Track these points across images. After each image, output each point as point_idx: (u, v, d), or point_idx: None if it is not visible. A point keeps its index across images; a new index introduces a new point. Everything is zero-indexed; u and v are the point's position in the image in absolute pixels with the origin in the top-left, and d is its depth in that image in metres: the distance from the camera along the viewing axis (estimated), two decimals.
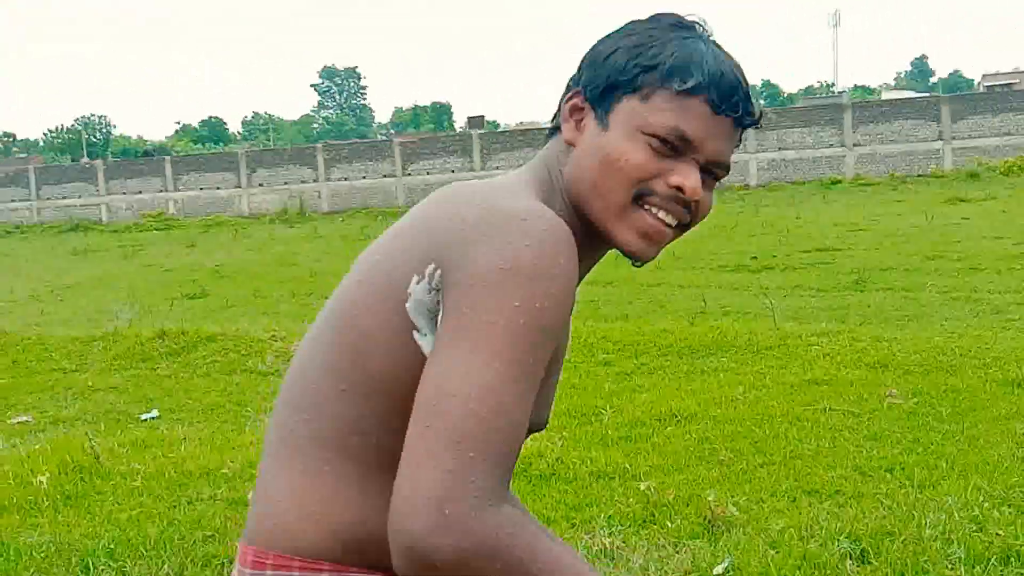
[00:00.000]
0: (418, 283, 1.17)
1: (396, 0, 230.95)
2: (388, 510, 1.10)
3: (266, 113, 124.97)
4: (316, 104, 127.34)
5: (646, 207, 1.26)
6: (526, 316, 1.10)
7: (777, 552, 3.67)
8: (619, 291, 11.85)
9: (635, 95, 1.25)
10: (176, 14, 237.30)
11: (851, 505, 4.19)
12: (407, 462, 1.08)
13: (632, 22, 1.32)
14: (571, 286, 1.15)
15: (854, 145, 35.83)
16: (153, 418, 7.15)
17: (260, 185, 42.57)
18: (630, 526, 4.14)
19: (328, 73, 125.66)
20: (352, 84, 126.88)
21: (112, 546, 4.11)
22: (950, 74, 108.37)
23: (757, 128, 1.34)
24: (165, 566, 3.94)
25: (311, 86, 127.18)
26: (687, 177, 1.25)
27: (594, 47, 1.32)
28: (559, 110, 1.33)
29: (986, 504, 4.01)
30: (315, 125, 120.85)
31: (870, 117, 36.31)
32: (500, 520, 1.07)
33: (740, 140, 1.32)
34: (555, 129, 1.34)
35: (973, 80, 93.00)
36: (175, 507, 4.74)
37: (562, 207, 1.29)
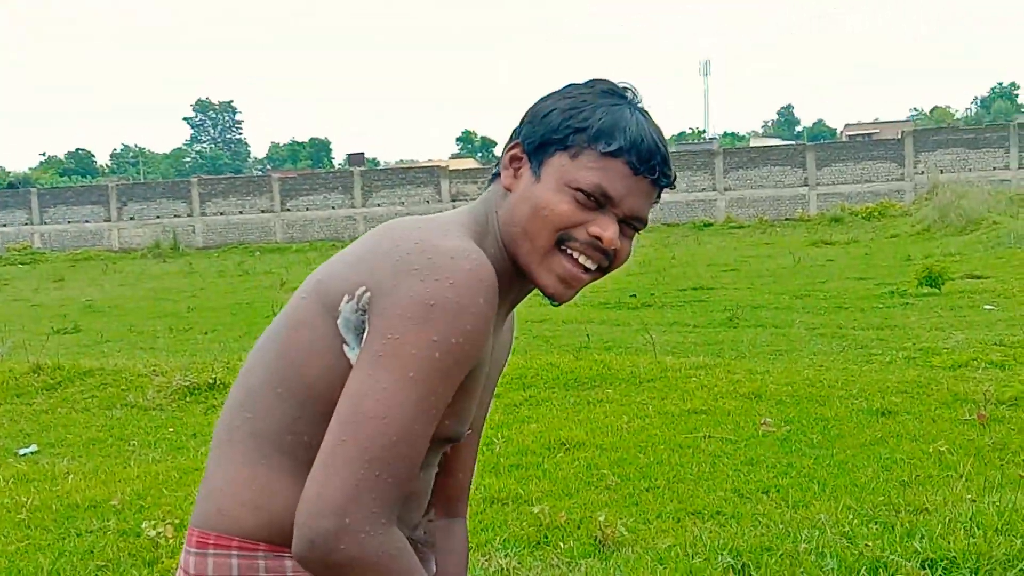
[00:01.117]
0: (347, 302, 1.31)
1: (274, 34, 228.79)
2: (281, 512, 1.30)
3: (136, 146, 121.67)
4: (189, 137, 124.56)
5: (567, 252, 1.40)
6: (441, 350, 1.24)
7: (665, 568, 3.85)
8: None
9: (565, 152, 1.39)
10: (41, 40, 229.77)
11: (731, 524, 4.42)
12: (321, 465, 1.23)
13: (571, 85, 1.47)
14: (487, 323, 1.29)
15: (725, 189, 37.18)
16: (32, 453, 6.95)
17: (131, 219, 41.51)
18: (525, 548, 4.28)
19: (202, 106, 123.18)
20: (227, 118, 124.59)
21: None
22: (814, 123, 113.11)
23: (671, 189, 1.49)
24: None
25: (184, 119, 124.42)
26: (606, 228, 1.39)
27: (535, 104, 1.46)
28: (500, 158, 1.47)
29: (855, 521, 4.28)
30: (188, 159, 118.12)
31: (740, 163, 37.76)
32: (390, 539, 1.24)
33: (658, 198, 1.47)
34: (496, 175, 1.48)
35: (836, 129, 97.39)
36: (64, 539, 4.66)
37: (494, 247, 1.43)
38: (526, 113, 1.47)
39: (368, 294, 1.29)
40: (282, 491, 1.34)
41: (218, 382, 8.50)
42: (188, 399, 8.34)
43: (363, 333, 1.29)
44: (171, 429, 7.44)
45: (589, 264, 1.41)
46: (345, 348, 1.31)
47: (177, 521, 4.55)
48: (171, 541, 4.35)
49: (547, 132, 1.41)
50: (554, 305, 1.48)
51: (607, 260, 1.43)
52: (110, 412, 8.16)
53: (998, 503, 4.27)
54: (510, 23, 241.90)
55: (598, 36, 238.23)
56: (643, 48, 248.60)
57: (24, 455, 6.92)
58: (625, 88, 1.47)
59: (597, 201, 1.39)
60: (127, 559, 4.31)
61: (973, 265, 17.22)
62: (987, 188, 29.33)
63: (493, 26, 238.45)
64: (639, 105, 1.46)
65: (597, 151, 1.38)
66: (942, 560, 3.76)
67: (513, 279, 1.45)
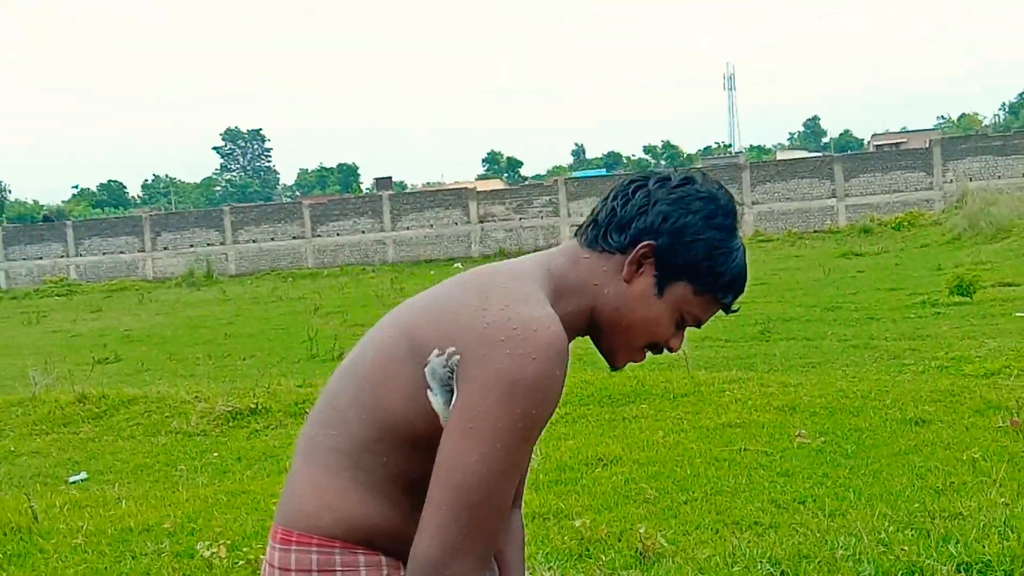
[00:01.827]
0: (437, 356, 1.46)
1: (300, 62, 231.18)
2: (391, 509, 1.52)
3: (167, 176, 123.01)
4: (219, 166, 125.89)
5: (642, 353, 1.65)
6: (524, 421, 1.41)
7: (708, 573, 3.96)
8: None
9: (691, 285, 1.59)
10: (70, 73, 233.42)
11: (769, 534, 4.51)
12: (425, 526, 1.42)
13: (709, 207, 1.60)
14: (560, 391, 1.46)
15: (753, 203, 37.15)
16: (82, 480, 7.15)
17: (165, 249, 42.06)
18: (567, 560, 4.39)
19: (231, 135, 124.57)
20: (256, 146, 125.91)
21: None
22: (841, 134, 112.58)
23: None
24: None
25: (213, 148, 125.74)
26: (680, 341, 1.65)
27: (680, 215, 1.58)
28: (626, 248, 1.59)
29: (891, 528, 4.36)
30: (218, 188, 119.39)
31: (767, 176, 37.75)
32: None
33: None
34: (588, 229, 1.64)
35: (863, 140, 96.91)
36: (120, 562, 4.82)
37: (575, 308, 1.59)
38: (665, 214, 1.58)
39: (457, 357, 1.44)
40: (358, 499, 1.52)
41: (260, 407, 8.68)
42: (231, 424, 8.52)
43: (447, 385, 1.46)
44: (216, 454, 7.61)
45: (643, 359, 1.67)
46: (429, 393, 1.47)
47: (229, 542, 4.70)
48: (224, 561, 4.49)
49: (687, 262, 1.58)
50: (611, 371, 1.72)
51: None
52: (155, 439, 8.36)
53: None
54: (529, 37, 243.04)
55: (621, 50, 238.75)
56: (669, 61, 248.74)
57: (74, 482, 7.12)
58: (739, 206, 1.67)
59: (685, 323, 1.64)
60: None
61: (1004, 273, 17.16)
62: (1017, 195, 29.09)
63: (515, 42, 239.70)
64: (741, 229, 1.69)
65: (715, 297, 1.61)
66: (977, 563, 3.84)
67: (578, 333, 1.63)
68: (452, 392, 1.44)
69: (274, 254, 41.35)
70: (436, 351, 1.46)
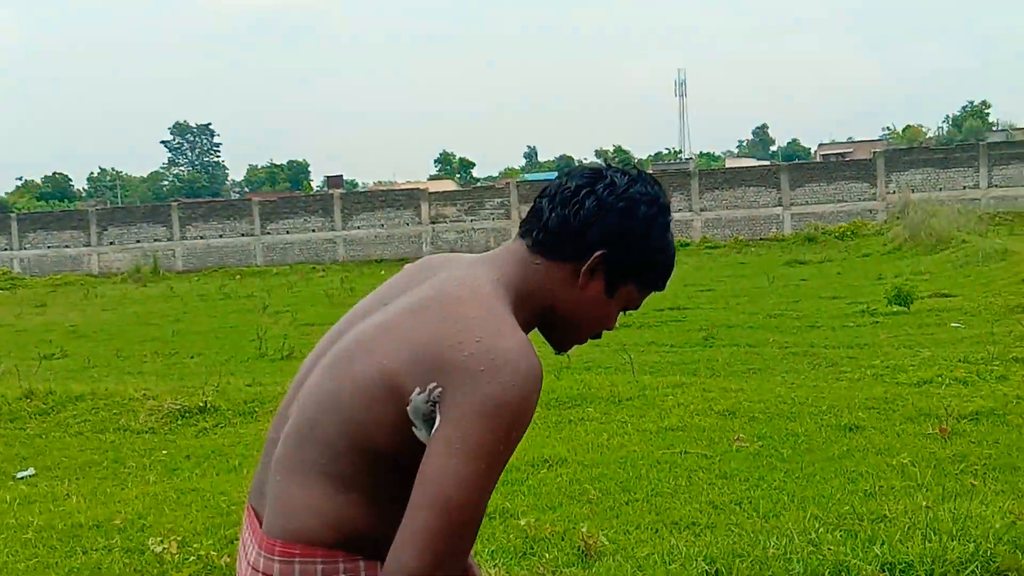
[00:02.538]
0: (418, 394, 1.55)
1: (251, 57, 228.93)
2: (379, 520, 1.61)
3: (113, 169, 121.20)
4: (166, 161, 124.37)
5: (584, 340, 1.84)
6: (506, 441, 1.53)
7: (643, 574, 4.13)
8: None
9: (636, 284, 1.79)
10: (16, 63, 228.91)
11: (706, 534, 4.69)
12: (403, 539, 1.50)
13: (644, 189, 1.76)
14: (533, 409, 1.57)
15: (701, 210, 37.63)
16: (30, 476, 7.15)
17: (111, 243, 41.52)
18: (512, 558, 4.54)
19: (179, 129, 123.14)
20: (205, 141, 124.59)
21: None
22: (788, 143, 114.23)
23: None
24: None
25: (161, 142, 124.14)
26: (614, 324, 1.84)
27: (628, 223, 1.73)
28: (546, 225, 1.73)
29: (821, 529, 4.56)
30: (165, 182, 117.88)
31: (715, 184, 38.25)
32: None
33: None
34: (533, 233, 1.75)
35: (810, 149, 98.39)
36: (71, 556, 4.88)
37: (531, 312, 1.74)
38: (613, 222, 1.72)
39: (439, 390, 1.53)
40: (358, 516, 1.64)
41: (209, 406, 8.72)
42: (180, 422, 8.55)
43: (431, 420, 1.54)
44: (165, 452, 7.65)
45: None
46: (414, 430, 1.57)
47: (180, 538, 4.78)
48: (176, 557, 4.57)
49: (634, 267, 1.75)
50: (557, 354, 1.90)
51: None
52: (103, 436, 8.36)
53: (954, 510, 4.57)
54: (487, 43, 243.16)
55: (577, 57, 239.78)
56: (620, 68, 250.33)
57: (22, 478, 7.12)
58: (669, 203, 1.84)
59: (625, 310, 1.83)
60: (134, 575, 4.54)
61: (942, 284, 17.64)
62: (957, 207, 29.88)
63: (470, 45, 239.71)
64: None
65: (654, 288, 1.83)
66: (900, 564, 4.05)
67: (531, 329, 1.77)
68: (434, 422, 1.53)
69: (222, 251, 41.01)
70: (417, 390, 1.55)
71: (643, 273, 1.76)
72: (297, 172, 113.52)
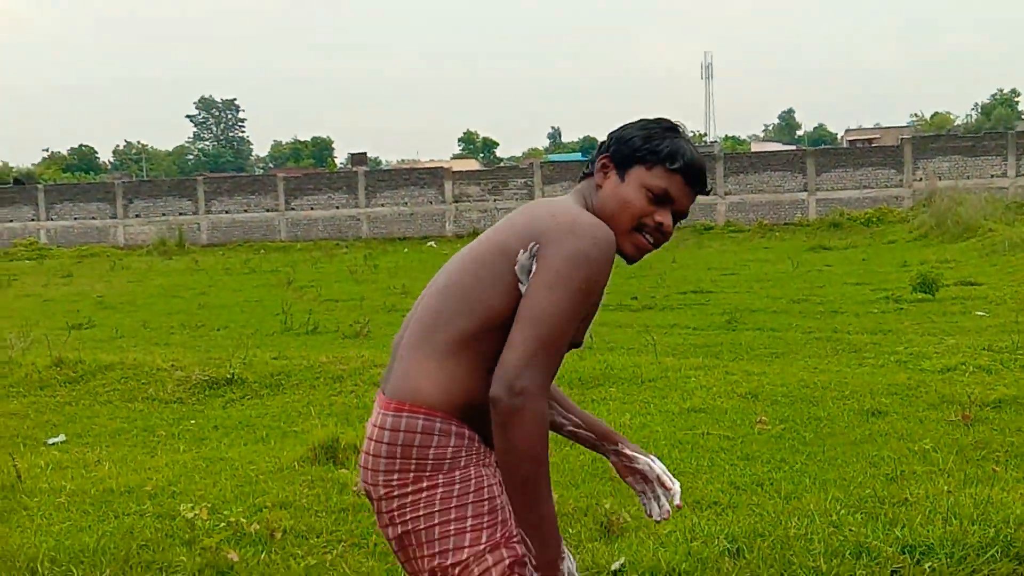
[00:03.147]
0: (523, 253, 2.00)
1: (276, 33, 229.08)
2: (479, 386, 1.97)
3: (139, 142, 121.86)
4: (192, 135, 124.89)
5: (639, 232, 2.14)
6: (585, 284, 1.96)
7: (666, 550, 4.18)
8: None
9: (643, 166, 2.14)
10: (43, 36, 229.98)
11: (728, 513, 4.75)
12: (514, 344, 1.91)
13: (644, 120, 2.21)
14: (609, 269, 2.02)
15: (725, 194, 37.49)
16: (61, 442, 7.28)
17: (137, 216, 41.86)
18: None
19: (205, 104, 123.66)
20: (230, 116, 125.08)
21: (53, 554, 4.36)
22: (815, 128, 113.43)
23: (706, 193, 2.28)
24: (108, 570, 4.22)
25: (187, 116, 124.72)
26: (666, 219, 2.15)
27: (621, 131, 2.20)
28: (592, 164, 2.22)
29: (842, 511, 4.60)
30: (190, 156, 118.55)
31: (740, 168, 38.08)
32: (540, 408, 1.89)
33: (695, 198, 2.22)
34: (586, 175, 2.24)
35: (836, 134, 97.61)
36: (104, 520, 4.97)
37: None
38: (611, 135, 2.21)
39: (537, 246, 1.98)
40: (464, 380, 2.00)
41: (236, 377, 8.83)
42: (207, 393, 8.68)
43: (530, 269, 1.98)
44: (193, 421, 7.77)
45: (653, 241, 2.16)
46: (520, 285, 1.99)
47: (210, 505, 4.88)
48: (206, 523, 4.67)
49: (631, 151, 2.15)
50: (629, 263, 2.22)
51: (661, 240, 2.17)
52: (132, 404, 8.50)
53: (975, 496, 4.60)
54: (511, 23, 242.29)
55: (602, 38, 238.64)
56: (646, 50, 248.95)
57: (53, 444, 7.26)
58: (678, 125, 2.22)
59: (661, 200, 2.13)
60: (165, 540, 4.63)
61: (968, 272, 17.56)
62: (984, 195, 29.65)
63: (494, 25, 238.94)
64: (688, 137, 2.20)
65: (665, 167, 2.13)
66: (920, 546, 4.08)
67: None
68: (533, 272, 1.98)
69: (247, 226, 41.26)
70: (521, 250, 2.00)
71: (642, 153, 2.13)
72: (321, 149, 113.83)
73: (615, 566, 4.13)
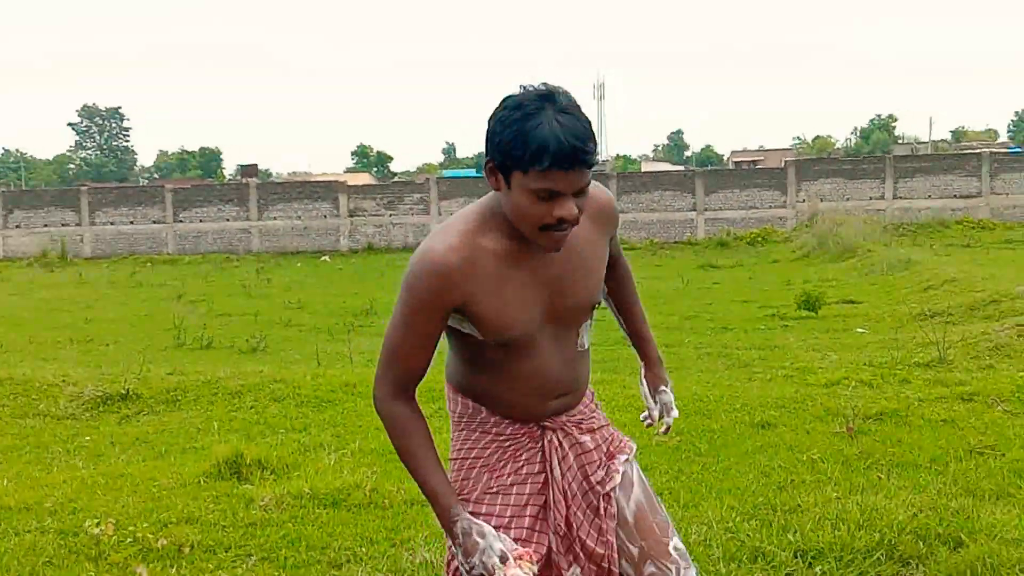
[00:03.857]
0: None
1: (162, 41, 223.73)
2: (469, 376, 2.47)
3: (18, 151, 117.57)
4: (73, 144, 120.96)
5: (548, 230, 2.16)
6: (407, 307, 2.25)
7: None
8: None
9: (519, 171, 2.10)
10: None
11: None
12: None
13: (509, 99, 2.13)
14: (430, 289, 2.20)
15: (620, 212, 38.14)
16: None
17: (17, 227, 40.38)
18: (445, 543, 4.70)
19: (88, 112, 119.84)
20: (114, 125, 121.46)
21: None
22: (702, 149, 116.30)
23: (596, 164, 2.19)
24: None
25: (68, 125, 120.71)
26: (564, 210, 2.13)
27: (490, 122, 2.16)
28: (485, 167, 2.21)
29: (738, 518, 4.83)
30: (71, 166, 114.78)
31: (633, 187, 38.85)
32: (390, 409, 2.35)
33: (587, 172, 2.13)
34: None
35: (723, 155, 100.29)
36: (4, 538, 4.88)
37: (503, 224, 2.23)
38: (487, 136, 2.16)
39: None
40: (456, 367, 2.52)
41: (131, 393, 8.67)
42: (101, 409, 8.49)
43: None
44: (88, 438, 7.61)
45: (564, 232, 2.17)
46: None
47: (115, 521, 4.83)
48: (112, 538, 4.63)
49: (501, 159, 2.12)
50: (553, 252, 2.26)
51: (575, 222, 2.16)
52: (23, 421, 8.26)
53: (861, 502, 4.87)
54: (402, 35, 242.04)
55: (495, 55, 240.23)
56: (541, 68, 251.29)
57: None
58: (546, 93, 2.11)
59: (550, 197, 2.11)
60: (71, 556, 4.58)
61: (848, 290, 18.32)
62: (863, 217, 30.91)
63: (386, 47, 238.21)
64: (559, 105, 2.09)
65: (531, 170, 2.08)
66: (812, 550, 4.33)
67: (523, 239, 2.23)
68: None
69: (133, 238, 40.22)
70: None
71: (512, 159, 2.09)
72: (209, 159, 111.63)
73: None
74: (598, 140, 2.16)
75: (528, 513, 2.45)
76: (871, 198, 37.21)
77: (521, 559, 2.24)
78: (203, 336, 13.70)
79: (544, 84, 2.13)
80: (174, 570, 4.35)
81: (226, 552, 4.65)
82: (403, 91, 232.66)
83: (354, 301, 20.12)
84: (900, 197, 37.25)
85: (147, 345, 13.76)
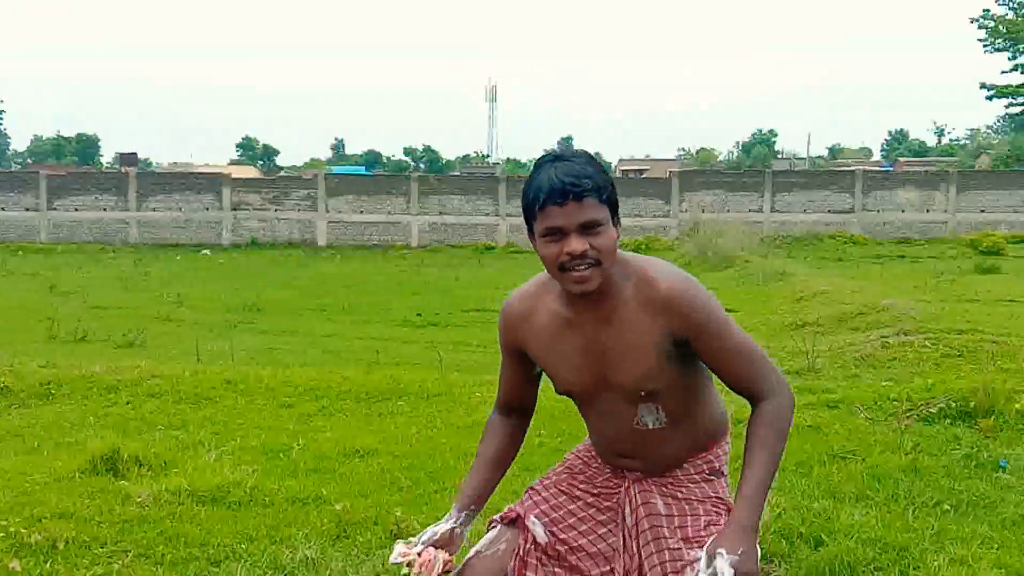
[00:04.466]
0: None
1: (40, 22, 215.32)
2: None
3: None
4: None
5: (567, 271, 2.33)
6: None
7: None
8: (295, 340, 12.29)
9: (532, 220, 2.37)
10: None
11: None
12: None
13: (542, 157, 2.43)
14: (504, 333, 2.63)
15: (507, 215, 38.45)
16: None
17: None
18: (327, 540, 4.73)
19: None
20: None
21: None
22: (594, 155, 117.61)
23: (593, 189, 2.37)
24: None
25: None
26: (572, 244, 2.29)
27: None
28: None
29: None
30: None
31: (520, 192, 39.13)
32: (488, 417, 2.85)
33: (601, 196, 2.36)
34: None
35: (611, 164, 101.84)
36: None
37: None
38: None
39: None
40: None
41: (2, 386, 8.39)
42: None
43: None
44: None
45: (581, 268, 2.31)
46: None
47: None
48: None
49: (524, 216, 2.41)
50: (585, 296, 2.40)
51: (592, 256, 2.31)
52: None
53: None
54: (293, 28, 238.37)
55: (388, 53, 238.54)
56: (433, 69, 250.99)
57: None
58: (558, 153, 2.39)
59: (556, 236, 2.31)
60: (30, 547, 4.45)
61: (726, 300, 18.74)
62: (742, 229, 31.85)
63: (273, 37, 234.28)
64: (563, 157, 2.36)
65: (536, 214, 2.33)
66: None
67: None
68: None
69: (3, 225, 38.65)
70: None
71: (525, 209, 2.38)
72: (87, 146, 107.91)
73: (404, 571, 4.30)
74: (592, 174, 2.35)
75: (593, 530, 2.71)
76: (750, 210, 38.37)
77: (424, 566, 2.64)
78: (78, 329, 13.30)
79: (563, 147, 2.50)
80: (48, 565, 4.27)
81: (102, 548, 4.58)
82: (291, 83, 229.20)
83: (236, 297, 19.77)
84: (778, 210, 38.53)
85: (18, 337, 13.29)
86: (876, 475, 5.76)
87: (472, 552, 2.80)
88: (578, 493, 2.73)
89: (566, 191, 2.27)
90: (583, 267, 2.30)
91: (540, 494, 2.80)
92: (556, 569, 2.71)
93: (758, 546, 2.36)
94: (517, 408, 2.80)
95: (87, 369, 9.13)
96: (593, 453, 2.77)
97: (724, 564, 2.23)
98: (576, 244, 2.29)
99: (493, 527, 2.83)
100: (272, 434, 6.97)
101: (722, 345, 2.45)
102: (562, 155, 2.35)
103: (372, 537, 4.74)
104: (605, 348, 2.45)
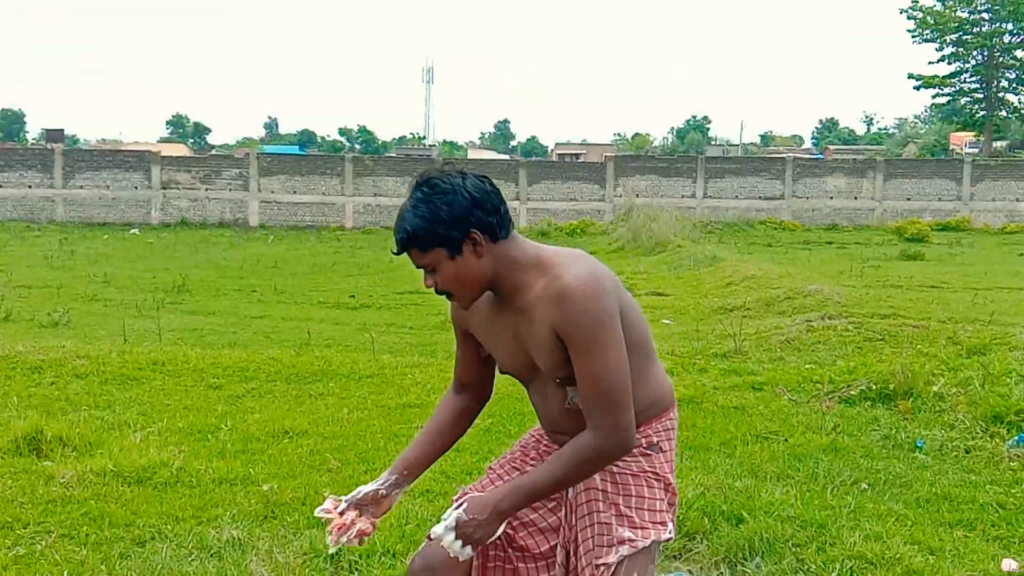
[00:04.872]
0: None
1: None
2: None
3: None
4: None
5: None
6: None
7: (380, 533, 4.44)
8: (224, 321, 12.15)
9: None
10: None
11: (439, 500, 5.06)
12: None
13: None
14: (451, 311, 2.78)
15: None
16: None
17: None
18: (254, 521, 4.72)
19: None
20: None
21: None
22: (528, 139, 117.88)
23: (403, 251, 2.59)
24: None
25: None
26: (426, 281, 2.57)
27: None
28: None
29: None
30: None
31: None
32: (444, 394, 2.94)
33: (423, 246, 2.51)
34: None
35: (547, 147, 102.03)
36: None
37: None
38: None
39: None
40: None
41: None
42: None
43: None
44: None
45: (446, 295, 2.60)
46: None
47: None
48: None
49: None
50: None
51: (442, 290, 2.57)
52: None
53: None
54: (223, 12, 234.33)
55: (322, 35, 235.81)
56: (368, 49, 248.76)
57: None
58: (420, 181, 2.55)
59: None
60: None
61: (658, 283, 19.10)
62: (675, 214, 32.18)
63: (204, 12, 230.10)
64: (413, 186, 2.53)
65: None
66: None
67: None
68: None
69: None
70: None
71: None
72: (11, 122, 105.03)
73: (332, 550, 4.32)
74: (409, 226, 2.47)
75: (544, 504, 2.79)
76: (683, 196, 38.76)
77: (338, 528, 2.81)
78: (1, 308, 13.00)
79: (443, 168, 2.62)
80: None
81: (24, 528, 4.53)
82: (223, 59, 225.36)
83: (165, 277, 19.47)
84: (710, 196, 38.99)
85: None
86: (797, 455, 5.91)
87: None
88: (529, 469, 2.80)
89: (397, 241, 2.51)
90: (447, 295, 2.59)
91: (496, 471, 2.92)
92: (508, 550, 2.82)
93: (494, 529, 2.54)
94: (470, 387, 2.90)
95: (10, 348, 8.96)
96: (543, 431, 2.87)
97: (453, 514, 2.55)
98: (426, 281, 2.56)
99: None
100: (200, 415, 6.92)
101: (585, 362, 2.46)
102: (413, 190, 2.52)
103: (300, 517, 4.75)
104: (524, 338, 2.59)
